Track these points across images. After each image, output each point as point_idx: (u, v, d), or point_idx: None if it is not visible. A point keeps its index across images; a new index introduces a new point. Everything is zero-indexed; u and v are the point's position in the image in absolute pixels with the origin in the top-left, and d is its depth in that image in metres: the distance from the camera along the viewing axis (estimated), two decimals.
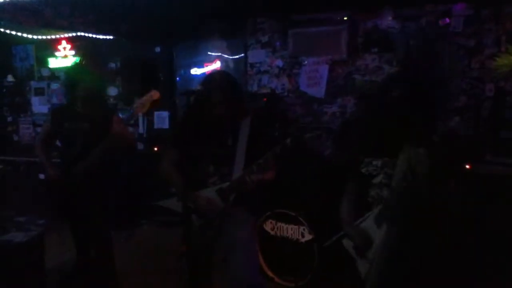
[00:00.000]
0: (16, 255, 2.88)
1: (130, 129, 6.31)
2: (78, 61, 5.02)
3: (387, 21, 4.82)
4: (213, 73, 2.77)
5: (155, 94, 3.10)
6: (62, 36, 6.38)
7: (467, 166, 4.02)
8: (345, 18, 4.98)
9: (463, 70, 4.52)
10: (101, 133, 3.20)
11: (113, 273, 3.41)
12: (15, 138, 7.41)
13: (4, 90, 7.48)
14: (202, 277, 2.68)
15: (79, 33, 5.88)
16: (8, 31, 5.71)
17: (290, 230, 3.90)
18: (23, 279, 2.90)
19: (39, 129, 7.02)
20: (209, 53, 6.02)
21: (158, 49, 6.32)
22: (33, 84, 7.22)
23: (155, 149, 6.03)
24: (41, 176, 5.82)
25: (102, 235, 3.39)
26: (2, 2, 4.66)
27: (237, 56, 5.87)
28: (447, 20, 4.54)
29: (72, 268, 3.57)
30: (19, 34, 5.90)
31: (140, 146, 6.37)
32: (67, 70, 4.33)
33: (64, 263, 3.89)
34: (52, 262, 3.53)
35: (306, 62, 5.27)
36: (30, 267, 3.01)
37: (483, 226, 3.55)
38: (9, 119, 7.48)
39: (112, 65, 6.62)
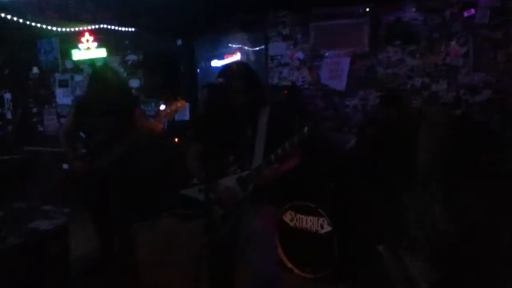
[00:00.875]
0: (42, 242, 2.95)
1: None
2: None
3: (410, 13, 4.76)
4: (231, 64, 2.78)
5: (182, 105, 3.15)
6: (85, 28, 6.47)
7: (483, 159, 3.96)
8: (367, 10, 4.92)
9: (488, 63, 4.44)
10: (124, 126, 3.27)
11: (133, 263, 3.47)
12: (40, 128, 7.58)
13: (30, 82, 7.64)
14: (224, 268, 2.71)
15: (102, 26, 5.96)
16: (33, 25, 5.82)
17: (310, 222, 3.89)
18: (48, 267, 2.98)
19: (63, 120, 7.16)
20: (230, 45, 6.03)
21: (179, 42, 6.36)
22: (57, 76, 7.36)
23: (176, 140, 6.08)
24: (65, 166, 5.94)
25: (124, 226, 3.45)
26: None
27: (257, 48, 5.87)
28: (472, 11, 4.45)
29: (96, 258, 3.65)
30: (44, 27, 6.00)
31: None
32: (92, 66, 4.43)
33: (89, 253, 3.97)
34: (77, 251, 3.60)
35: (327, 54, 5.24)
36: (56, 255, 3.08)
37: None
38: (34, 110, 7.65)
39: (134, 57, 6.68)
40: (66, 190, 5.24)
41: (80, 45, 6.79)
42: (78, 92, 7.16)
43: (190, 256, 2.42)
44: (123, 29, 6.06)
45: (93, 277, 3.69)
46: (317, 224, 3.85)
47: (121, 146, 3.27)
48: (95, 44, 6.71)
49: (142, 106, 6.49)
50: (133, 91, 6.65)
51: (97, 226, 3.52)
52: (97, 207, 3.44)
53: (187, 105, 6.22)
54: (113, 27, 5.98)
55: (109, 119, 3.33)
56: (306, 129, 2.37)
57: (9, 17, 5.18)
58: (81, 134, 3.63)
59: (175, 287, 3.62)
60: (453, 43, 4.59)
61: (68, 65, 7.23)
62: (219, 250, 2.63)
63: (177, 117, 6.37)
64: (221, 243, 2.62)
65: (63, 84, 7.31)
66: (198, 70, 6.41)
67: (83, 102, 3.64)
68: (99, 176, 3.27)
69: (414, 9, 4.73)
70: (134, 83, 6.68)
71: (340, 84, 5.15)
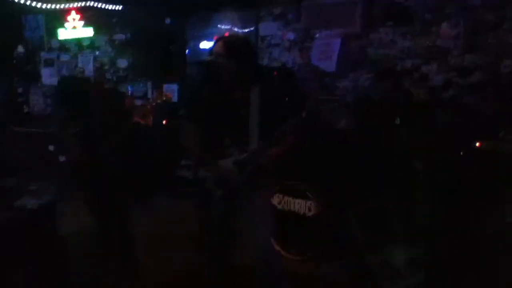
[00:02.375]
0: (30, 220, 2.93)
1: (139, 101, 6.33)
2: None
3: None
4: (221, 37, 2.67)
5: (168, 98, 3.14)
6: (71, 6, 6.32)
7: (478, 144, 3.97)
8: None
9: (479, 45, 4.42)
10: (115, 114, 3.31)
11: (132, 241, 3.50)
12: (26, 109, 7.44)
13: (15, 61, 7.47)
14: (221, 247, 2.70)
15: (88, 3, 5.83)
16: (18, 0, 5.68)
17: (297, 204, 3.89)
18: (36, 245, 2.96)
19: (49, 101, 7.05)
20: (219, 25, 5.94)
21: (168, 21, 6.24)
22: (43, 55, 7.20)
23: (164, 122, 6.02)
24: (51, 147, 5.86)
25: (120, 206, 3.50)
26: None
27: (247, 29, 5.79)
28: None
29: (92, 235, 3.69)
30: (28, 3, 5.85)
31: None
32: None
33: (76, 231, 3.95)
34: (64, 229, 3.58)
35: (318, 35, 5.18)
36: (43, 233, 3.06)
37: (494, 204, 3.53)
38: (20, 90, 7.49)
39: (122, 36, 6.56)
40: (52, 170, 5.21)
41: (66, 24, 6.64)
42: (64, 71, 7.02)
43: (187, 234, 2.40)
44: (111, 7, 5.94)
45: (86, 254, 3.69)
46: (304, 206, 3.85)
47: (114, 132, 3.36)
48: (82, 22, 6.57)
49: (129, 87, 6.47)
50: (121, 71, 6.57)
51: (93, 205, 3.53)
52: (93, 187, 3.46)
53: (175, 86, 6.17)
54: (100, 5, 5.86)
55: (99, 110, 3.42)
56: (304, 113, 2.34)
57: None
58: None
59: (173, 264, 3.63)
60: (444, 24, 4.55)
61: (54, 44, 7.08)
62: (217, 230, 2.62)
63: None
64: (219, 222, 2.60)
65: (49, 63, 7.17)
66: (187, 50, 6.32)
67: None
68: (95, 158, 3.33)
69: None
70: (122, 63, 6.58)
71: (330, 65, 5.11)
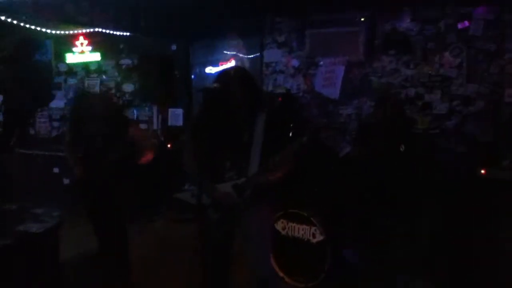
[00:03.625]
0: (32, 245, 2.93)
1: (143, 126, 6.38)
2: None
3: (406, 22, 4.79)
4: (228, 69, 2.80)
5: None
6: (80, 31, 6.44)
7: (482, 172, 3.98)
8: (363, 19, 4.95)
9: (481, 75, 4.48)
10: (118, 135, 3.39)
11: (127, 264, 3.49)
12: (32, 131, 7.49)
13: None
14: (218, 271, 2.69)
15: (96, 29, 5.93)
16: (28, 26, 5.78)
17: (302, 231, 3.88)
18: (38, 269, 2.95)
19: (55, 124, 7.12)
20: (225, 52, 6.03)
21: (174, 47, 6.35)
22: None
23: (169, 146, 6.06)
24: (56, 169, 5.89)
25: (119, 228, 3.51)
26: None
27: (252, 56, 5.88)
28: (466, 23, 4.49)
29: (92, 257, 3.69)
30: (38, 29, 5.96)
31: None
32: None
33: (78, 255, 3.95)
34: (66, 254, 3.58)
35: (322, 62, 5.25)
36: (46, 258, 3.06)
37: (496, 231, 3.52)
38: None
39: (129, 61, 6.66)
40: (57, 193, 5.22)
41: (74, 48, 6.76)
42: (71, 95, 7.10)
43: (183, 257, 2.41)
44: (118, 33, 6.04)
45: (86, 278, 3.68)
46: (309, 233, 3.83)
47: (115, 151, 3.36)
48: (90, 47, 6.68)
49: (135, 111, 6.53)
50: (127, 96, 6.63)
51: (96, 228, 3.54)
52: (96, 210, 3.50)
53: (180, 110, 6.22)
54: (108, 31, 5.96)
55: (103, 130, 3.42)
56: (305, 138, 2.37)
57: (3, 18, 5.15)
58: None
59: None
60: (447, 54, 4.62)
61: (62, 68, 7.18)
62: (215, 253, 2.63)
63: (171, 123, 6.37)
64: (216, 246, 2.61)
65: (57, 86, 7.26)
66: (193, 75, 6.40)
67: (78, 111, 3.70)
68: (96, 178, 3.37)
69: (409, 19, 4.77)
70: (128, 87, 6.66)
71: (334, 92, 5.16)
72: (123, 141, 3.42)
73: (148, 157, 3.57)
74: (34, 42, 6.83)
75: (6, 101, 6.70)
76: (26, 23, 5.62)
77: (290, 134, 2.74)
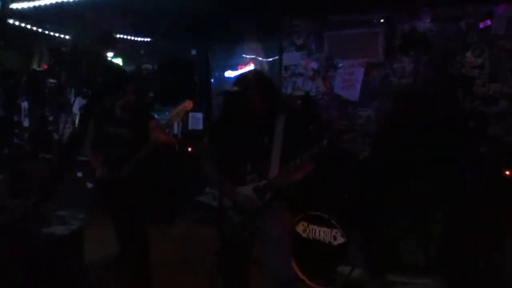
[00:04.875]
0: (58, 247, 2.99)
1: (166, 130, 6.42)
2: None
3: (426, 23, 4.74)
4: (247, 73, 2.83)
5: (188, 105, 3.23)
6: None
7: (507, 173, 3.91)
8: (382, 20, 4.92)
9: (504, 74, 4.39)
10: (139, 138, 3.38)
11: (148, 267, 3.50)
12: (55, 137, 7.65)
13: (46, 90, 7.74)
14: (237, 274, 2.71)
15: (118, 35, 6.04)
16: (51, 34, 5.93)
17: (323, 233, 3.87)
18: (63, 271, 3.01)
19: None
20: (244, 55, 6.07)
21: (194, 52, 6.41)
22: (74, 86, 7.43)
23: (189, 149, 6.11)
24: (79, 174, 6.01)
25: (139, 231, 3.51)
26: (47, 5, 4.85)
27: (271, 59, 5.90)
28: (488, 22, 4.42)
29: (115, 261, 3.73)
30: (62, 36, 6.10)
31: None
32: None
33: (102, 258, 4.01)
34: (91, 256, 3.64)
35: (341, 64, 5.24)
36: (71, 259, 3.12)
37: None
38: (50, 118, 7.73)
39: (149, 66, 6.75)
40: (81, 196, 5.31)
41: None
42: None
43: (203, 261, 2.43)
44: (139, 38, 6.14)
45: (108, 281, 3.73)
46: (330, 235, 3.83)
47: (137, 157, 3.36)
48: (111, 54, 6.79)
49: (156, 115, 6.61)
50: (148, 100, 6.72)
51: (116, 231, 3.57)
52: (116, 212, 3.52)
53: (200, 114, 6.27)
54: (128, 37, 6.07)
55: (125, 131, 3.45)
56: (325, 141, 2.38)
57: (28, 26, 5.29)
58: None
59: None
60: (468, 53, 4.55)
61: None
62: (234, 256, 2.64)
63: (191, 126, 6.43)
64: (236, 248, 2.63)
65: (80, 93, 7.38)
66: (212, 79, 6.46)
67: (100, 113, 3.73)
68: (118, 183, 3.37)
69: (429, 19, 4.71)
70: (149, 92, 6.75)
71: (353, 94, 5.14)
72: (145, 141, 3.40)
73: (168, 140, 3.53)
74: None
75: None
76: (49, 30, 5.76)
77: (310, 137, 2.74)
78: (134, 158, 3.35)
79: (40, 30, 5.60)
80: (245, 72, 2.90)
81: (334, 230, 3.79)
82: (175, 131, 6.57)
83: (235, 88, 2.58)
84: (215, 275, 2.59)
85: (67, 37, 6.14)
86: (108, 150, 3.55)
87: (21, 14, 5.05)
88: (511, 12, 4.32)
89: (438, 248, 3.74)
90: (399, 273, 3.62)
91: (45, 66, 7.12)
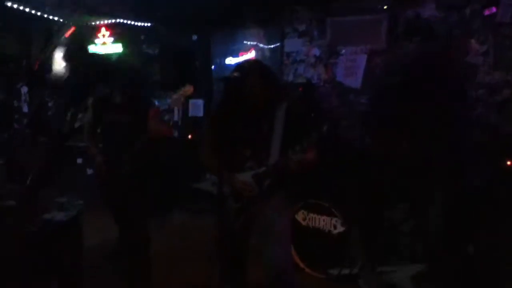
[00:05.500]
0: (57, 233, 3.00)
1: (166, 117, 6.40)
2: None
3: (430, 9, 4.67)
4: (246, 62, 2.82)
5: (189, 89, 3.20)
6: (101, 23, 6.50)
7: (509, 163, 3.88)
8: (385, 7, 4.85)
9: (508, 62, 4.34)
10: (139, 125, 3.33)
11: (147, 257, 3.49)
12: (54, 122, 7.62)
13: (46, 75, 7.68)
14: (236, 262, 2.70)
15: (118, 20, 5.99)
16: (50, 17, 5.86)
17: (322, 222, 3.87)
18: (62, 257, 3.01)
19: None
20: (245, 42, 6.00)
21: (195, 37, 6.35)
22: None
23: (189, 136, 6.09)
24: (79, 160, 6.00)
25: (139, 220, 3.49)
26: None
27: (273, 46, 5.83)
28: (494, 9, 4.35)
29: (114, 248, 3.72)
30: (61, 20, 6.04)
31: (175, 133, 6.44)
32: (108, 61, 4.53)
33: (100, 244, 4.02)
34: (89, 242, 3.65)
35: (343, 51, 5.18)
36: (69, 245, 3.12)
37: None
38: (50, 104, 7.70)
39: (150, 51, 6.70)
40: (80, 183, 5.31)
41: (96, 40, 6.82)
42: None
43: (202, 249, 2.42)
44: (139, 23, 6.08)
45: (106, 269, 3.74)
46: (330, 224, 3.82)
47: (135, 146, 3.33)
48: (111, 38, 6.73)
49: (156, 102, 6.57)
50: (147, 86, 6.67)
51: (116, 221, 3.57)
52: (115, 203, 3.50)
53: (201, 101, 6.24)
54: (129, 22, 6.01)
55: (124, 118, 3.39)
56: (325, 127, 2.36)
57: (26, 9, 5.23)
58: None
59: (187, 280, 3.64)
60: (473, 41, 4.49)
61: None
62: (232, 243, 2.63)
63: (191, 113, 6.39)
64: (234, 236, 2.62)
65: None
66: (213, 66, 6.40)
67: (99, 100, 3.68)
68: (116, 172, 3.35)
69: (433, 6, 4.64)
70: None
71: (355, 81, 5.09)
72: (144, 130, 3.35)
73: (166, 131, 3.52)
74: None
75: None
76: (49, 14, 5.70)
77: (311, 124, 2.71)
78: (128, 153, 3.32)
79: (38, 13, 5.54)
80: (244, 61, 2.88)
81: (334, 219, 3.78)
82: (175, 117, 6.53)
83: (235, 74, 2.56)
84: (213, 264, 2.58)
85: (65, 21, 6.08)
86: (107, 137, 3.53)
87: None
88: None
89: (434, 237, 3.72)
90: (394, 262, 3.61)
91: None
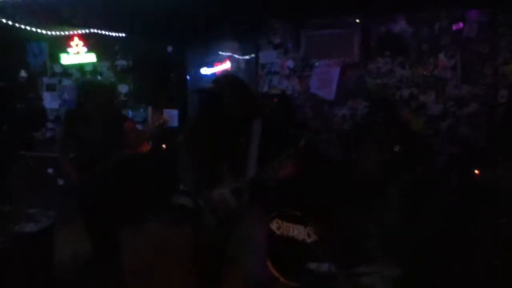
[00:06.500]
0: (27, 244, 2.93)
1: (139, 127, 6.35)
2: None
3: (401, 25, 4.82)
4: (222, 76, 2.82)
5: (166, 121, 3.18)
6: (75, 32, 6.42)
7: (477, 172, 4.01)
8: (357, 21, 4.98)
9: (475, 76, 4.51)
10: (112, 139, 3.30)
11: (120, 268, 3.44)
12: None
13: (17, 85, 7.53)
14: (212, 275, 2.69)
15: (92, 30, 5.93)
16: (23, 27, 5.76)
17: (296, 230, 3.88)
18: (32, 269, 2.94)
19: (49, 125, 7.08)
20: (220, 53, 6.03)
21: (170, 49, 6.34)
22: (45, 80, 7.26)
23: (163, 146, 6.04)
24: (49, 170, 5.86)
25: (111, 231, 3.45)
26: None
27: (248, 56, 5.88)
28: (461, 25, 4.52)
29: (87, 260, 3.65)
30: (34, 30, 5.94)
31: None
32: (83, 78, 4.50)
33: (72, 256, 3.93)
34: (60, 254, 3.57)
35: (317, 64, 5.27)
36: (40, 257, 3.05)
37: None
38: None
39: (124, 63, 6.65)
40: (51, 194, 5.19)
41: (69, 50, 6.73)
42: (66, 96, 7.08)
43: (177, 260, 2.40)
44: (113, 34, 6.04)
45: (79, 280, 3.66)
46: (304, 233, 3.84)
47: (109, 159, 3.30)
48: (85, 48, 6.65)
49: (130, 112, 6.52)
50: (122, 96, 6.61)
51: (88, 232, 3.49)
52: (87, 212, 3.44)
53: (175, 111, 6.21)
54: (103, 32, 5.96)
55: (97, 132, 3.33)
56: (302, 142, 2.39)
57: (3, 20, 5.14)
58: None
59: None
60: (441, 55, 4.65)
61: (57, 69, 7.15)
62: (209, 256, 2.63)
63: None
64: (211, 249, 2.61)
65: (51, 88, 7.22)
66: (188, 77, 6.40)
67: (71, 114, 3.65)
68: (89, 183, 3.30)
69: (404, 21, 4.80)
70: (123, 88, 6.64)
71: (329, 93, 5.18)
72: (119, 143, 3.33)
73: (144, 147, 3.50)
74: None
75: None
76: (21, 24, 5.60)
77: (287, 137, 2.74)
78: (104, 161, 3.28)
79: (10, 22, 5.43)
80: (220, 74, 2.88)
81: (308, 228, 3.80)
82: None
83: (211, 86, 2.57)
84: (189, 276, 2.57)
85: (38, 30, 5.98)
86: (80, 152, 3.46)
87: None
88: (483, 16, 4.44)
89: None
90: (363, 265, 3.65)
91: None
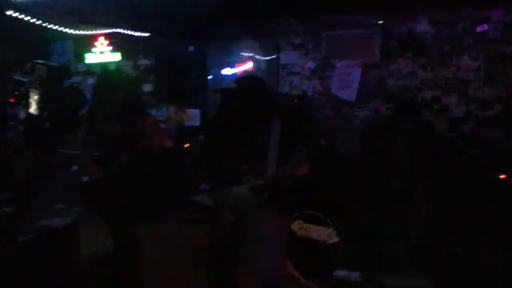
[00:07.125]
0: (54, 239, 3.01)
1: (162, 125, 6.42)
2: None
3: (422, 25, 4.79)
4: (243, 77, 2.84)
5: (187, 116, 3.21)
6: (99, 32, 6.53)
7: (502, 176, 3.96)
8: (380, 22, 4.96)
9: (499, 78, 4.46)
10: (132, 135, 3.29)
11: (136, 266, 3.47)
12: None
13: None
14: (228, 273, 2.73)
15: (115, 30, 6.03)
16: (48, 26, 5.88)
17: (318, 232, 3.89)
18: (59, 263, 3.02)
19: None
20: (241, 53, 6.08)
21: (191, 48, 6.41)
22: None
23: (186, 146, 6.10)
24: (75, 167, 5.98)
25: (130, 229, 3.47)
26: None
27: (269, 57, 5.91)
28: (485, 26, 4.47)
29: (107, 257, 3.71)
30: (58, 29, 6.06)
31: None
32: (100, 74, 4.51)
33: (97, 252, 4.00)
34: (85, 249, 3.64)
35: (338, 65, 5.27)
36: (66, 251, 3.13)
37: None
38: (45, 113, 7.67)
39: (146, 62, 6.74)
40: (76, 190, 5.29)
41: (94, 49, 6.85)
42: (90, 95, 7.19)
43: (193, 260, 2.42)
44: (136, 34, 6.13)
45: (99, 276, 3.72)
46: (325, 234, 3.85)
47: (129, 154, 3.29)
48: (109, 48, 6.76)
49: (153, 111, 6.59)
50: (144, 96, 6.70)
51: (109, 227, 3.55)
52: (107, 210, 3.47)
53: (197, 111, 6.27)
54: (126, 32, 6.05)
55: (116, 127, 3.36)
56: (322, 141, 2.40)
57: (24, 17, 5.24)
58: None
59: None
60: (464, 57, 4.60)
61: (81, 68, 7.28)
62: (225, 254, 2.66)
63: (188, 123, 6.40)
64: (227, 247, 2.65)
65: None
66: (209, 77, 6.46)
67: (92, 110, 3.66)
68: (109, 180, 3.33)
69: (426, 22, 4.76)
70: (146, 87, 6.74)
71: (350, 94, 5.18)
72: (139, 139, 3.31)
73: (166, 143, 3.50)
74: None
75: None
76: (47, 23, 5.72)
77: (307, 136, 2.76)
78: (123, 156, 3.28)
79: (36, 21, 5.55)
80: (240, 76, 2.90)
81: (329, 229, 3.81)
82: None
83: (232, 86, 2.61)
84: (203, 274, 2.60)
85: (63, 29, 6.10)
86: (100, 148, 3.48)
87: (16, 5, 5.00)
88: (507, 17, 4.38)
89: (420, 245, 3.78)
90: (393, 277, 3.64)
91: None
